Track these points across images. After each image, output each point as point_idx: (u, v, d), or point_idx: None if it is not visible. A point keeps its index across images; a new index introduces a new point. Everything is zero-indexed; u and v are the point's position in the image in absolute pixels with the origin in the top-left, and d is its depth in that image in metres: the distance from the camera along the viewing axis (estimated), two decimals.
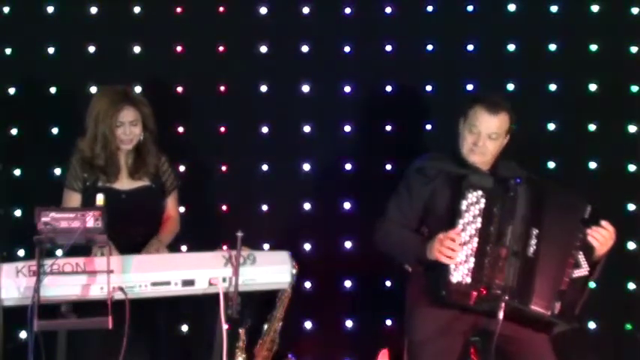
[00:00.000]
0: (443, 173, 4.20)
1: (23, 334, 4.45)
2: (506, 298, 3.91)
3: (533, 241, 3.97)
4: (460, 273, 3.97)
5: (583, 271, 4.02)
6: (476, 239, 3.99)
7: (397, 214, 4.24)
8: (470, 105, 4.18)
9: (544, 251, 3.98)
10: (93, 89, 5.18)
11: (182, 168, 5.13)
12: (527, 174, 4.25)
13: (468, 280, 3.96)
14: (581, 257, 4.01)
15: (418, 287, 4.19)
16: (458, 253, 3.95)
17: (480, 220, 4.01)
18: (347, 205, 5.30)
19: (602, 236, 4.01)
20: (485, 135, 4.13)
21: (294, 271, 4.11)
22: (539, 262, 3.97)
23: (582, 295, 4.03)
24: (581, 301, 4.03)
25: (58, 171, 5.13)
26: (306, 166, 5.33)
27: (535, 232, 3.98)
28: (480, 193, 4.02)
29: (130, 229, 4.30)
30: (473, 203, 4.02)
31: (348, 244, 5.28)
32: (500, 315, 3.91)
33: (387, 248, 4.26)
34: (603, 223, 4.02)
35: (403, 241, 4.18)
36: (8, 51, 5.27)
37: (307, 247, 5.29)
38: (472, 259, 3.98)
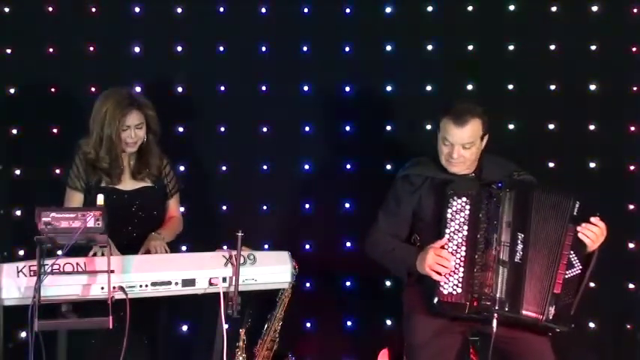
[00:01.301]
0: (429, 180, 4.20)
1: (23, 334, 4.45)
2: (496, 308, 3.91)
3: (520, 247, 3.96)
4: (450, 284, 3.97)
5: (576, 270, 4.01)
6: (463, 248, 3.99)
7: (387, 223, 4.25)
8: (441, 117, 4.17)
9: (532, 255, 3.97)
10: (93, 89, 5.18)
11: (182, 168, 5.13)
12: (516, 168, 4.24)
13: (459, 290, 3.96)
14: (572, 256, 4.00)
15: (414, 290, 4.19)
16: (448, 269, 3.95)
17: (466, 227, 4.00)
18: (347, 205, 5.31)
19: (592, 233, 3.99)
20: (458, 146, 4.11)
21: (294, 271, 4.12)
22: (528, 267, 3.96)
23: (577, 295, 4.02)
24: (576, 301, 4.02)
25: (58, 171, 5.12)
26: (306, 166, 5.33)
27: (521, 236, 3.96)
28: (464, 199, 4.01)
29: (133, 229, 4.30)
30: (458, 211, 4.01)
31: (348, 244, 5.29)
32: (494, 323, 3.91)
33: (376, 258, 4.26)
34: (593, 219, 4.00)
35: (392, 252, 4.18)
36: (8, 51, 5.26)
37: (307, 247, 5.29)
38: (461, 269, 3.97)
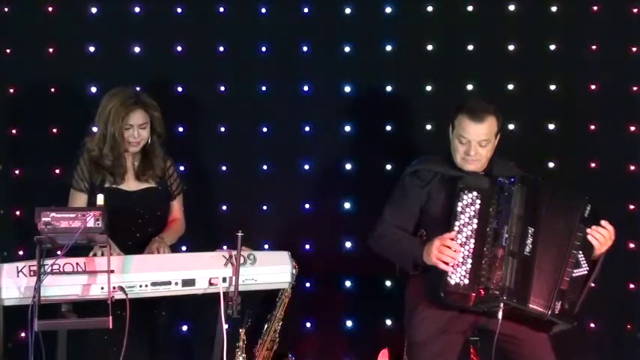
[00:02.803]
0: (438, 175, 4.20)
1: (23, 334, 4.44)
2: (504, 298, 3.91)
3: (530, 240, 3.96)
4: (458, 275, 3.97)
5: (583, 270, 4.02)
6: (472, 240, 3.99)
7: (393, 218, 4.23)
8: (455, 114, 4.16)
9: (541, 250, 3.97)
10: (93, 89, 5.19)
11: (182, 168, 5.12)
12: (523, 173, 4.25)
13: (466, 281, 3.96)
14: (580, 256, 4.01)
15: (417, 288, 4.19)
16: (456, 259, 3.95)
17: (475, 221, 4.00)
18: (347, 205, 5.30)
19: (601, 235, 4.01)
20: (475, 144, 4.11)
21: (294, 271, 4.12)
22: (537, 261, 3.96)
23: (582, 294, 4.03)
24: (581, 300, 4.03)
25: (58, 171, 5.13)
26: (306, 166, 5.33)
27: (531, 230, 3.96)
28: (475, 194, 4.02)
29: (137, 230, 4.30)
30: (468, 204, 4.02)
31: (348, 244, 5.28)
32: (500, 315, 3.91)
33: (381, 251, 4.25)
34: (603, 222, 4.02)
35: (398, 243, 4.17)
36: (8, 51, 5.27)
37: (307, 247, 5.29)
38: (469, 261, 3.97)
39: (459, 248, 3.97)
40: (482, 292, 3.94)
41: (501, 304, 3.91)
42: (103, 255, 3.89)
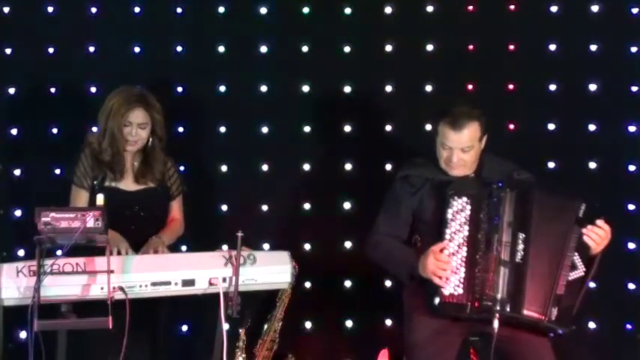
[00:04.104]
0: (429, 181, 4.20)
1: (23, 334, 4.45)
2: (498, 308, 3.89)
3: (521, 247, 3.93)
4: (452, 285, 3.94)
5: (579, 272, 3.98)
6: (465, 248, 3.97)
7: (387, 228, 4.23)
8: (437, 121, 4.16)
9: (534, 255, 3.93)
10: (93, 89, 5.19)
11: (182, 168, 5.11)
12: (515, 168, 4.23)
13: (460, 291, 3.94)
14: (576, 258, 3.97)
15: (415, 289, 4.18)
16: (450, 272, 3.93)
17: (467, 227, 3.98)
18: (347, 205, 5.30)
19: (597, 236, 3.97)
20: (457, 151, 4.11)
21: (294, 271, 4.11)
22: (529, 267, 3.92)
23: (579, 297, 4.00)
24: (578, 303, 4.00)
25: (58, 171, 5.13)
26: (306, 166, 5.32)
27: (522, 236, 3.93)
28: (464, 199, 3.99)
29: (135, 229, 4.30)
30: (458, 211, 3.99)
31: (347, 244, 5.28)
32: (496, 324, 3.89)
33: (377, 260, 4.25)
34: (599, 222, 3.98)
35: (393, 255, 4.17)
36: (8, 51, 5.27)
37: (307, 247, 5.29)
38: (462, 270, 3.95)
39: (450, 262, 3.94)
40: (477, 304, 3.92)
41: (496, 314, 3.89)
42: (119, 254, 3.97)
